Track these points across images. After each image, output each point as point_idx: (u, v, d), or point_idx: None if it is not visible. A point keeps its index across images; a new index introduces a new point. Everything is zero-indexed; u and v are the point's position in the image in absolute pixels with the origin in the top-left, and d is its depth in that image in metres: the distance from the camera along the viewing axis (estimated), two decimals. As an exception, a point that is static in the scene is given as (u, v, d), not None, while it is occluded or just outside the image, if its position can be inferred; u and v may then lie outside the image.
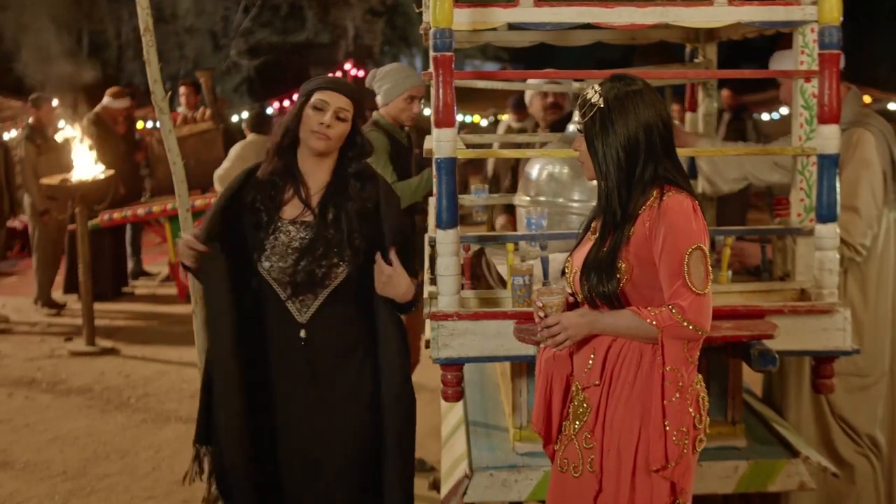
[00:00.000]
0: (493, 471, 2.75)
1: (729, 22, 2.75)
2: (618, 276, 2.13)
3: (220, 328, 2.49)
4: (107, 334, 6.83)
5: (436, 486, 3.97)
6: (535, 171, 3.37)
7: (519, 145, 4.52)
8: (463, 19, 2.66)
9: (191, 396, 5.34)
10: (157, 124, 4.93)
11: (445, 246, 2.65)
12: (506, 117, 9.81)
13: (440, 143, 2.62)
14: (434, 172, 2.67)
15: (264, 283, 2.49)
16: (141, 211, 7.57)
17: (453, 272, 2.66)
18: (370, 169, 2.57)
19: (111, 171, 6.99)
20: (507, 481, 2.74)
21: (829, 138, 2.72)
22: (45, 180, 6.88)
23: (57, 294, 7.92)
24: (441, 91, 2.58)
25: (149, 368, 6.09)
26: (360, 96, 2.51)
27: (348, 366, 2.51)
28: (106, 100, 8.02)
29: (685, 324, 2.05)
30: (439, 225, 2.65)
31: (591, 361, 2.20)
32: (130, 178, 8.14)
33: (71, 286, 7.75)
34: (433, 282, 2.75)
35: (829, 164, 2.72)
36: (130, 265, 8.73)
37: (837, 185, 2.73)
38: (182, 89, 9.17)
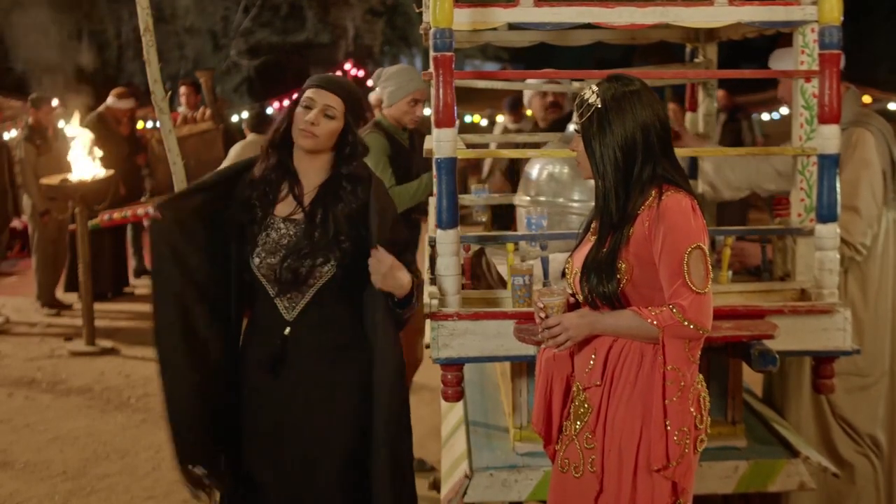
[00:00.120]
0: (493, 471, 2.75)
1: (729, 22, 2.76)
2: (618, 276, 2.13)
3: (162, 300, 2.51)
4: (107, 334, 6.82)
5: (436, 486, 3.97)
6: (535, 171, 3.37)
7: (518, 145, 4.52)
8: (463, 19, 2.66)
9: (191, 396, 5.33)
10: (158, 124, 4.92)
11: (445, 246, 2.66)
12: (501, 118, 9.82)
13: (440, 143, 2.62)
14: (434, 172, 2.67)
15: (255, 279, 2.49)
16: (141, 211, 7.53)
17: (453, 272, 2.66)
18: (364, 171, 2.54)
19: (111, 171, 6.98)
20: (507, 481, 2.74)
21: (829, 138, 2.72)
22: (45, 180, 6.86)
23: (62, 294, 7.90)
24: (441, 91, 2.59)
25: (149, 368, 6.07)
26: (354, 95, 2.48)
27: (335, 366, 2.48)
28: (110, 100, 8.00)
29: (686, 323, 2.05)
30: (439, 225, 2.65)
31: (592, 362, 2.20)
32: (131, 178, 8.12)
33: (71, 285, 7.74)
34: (433, 282, 2.75)
35: (830, 164, 2.72)
36: (134, 263, 8.73)
37: (838, 185, 2.73)
38: (182, 89, 9.16)
